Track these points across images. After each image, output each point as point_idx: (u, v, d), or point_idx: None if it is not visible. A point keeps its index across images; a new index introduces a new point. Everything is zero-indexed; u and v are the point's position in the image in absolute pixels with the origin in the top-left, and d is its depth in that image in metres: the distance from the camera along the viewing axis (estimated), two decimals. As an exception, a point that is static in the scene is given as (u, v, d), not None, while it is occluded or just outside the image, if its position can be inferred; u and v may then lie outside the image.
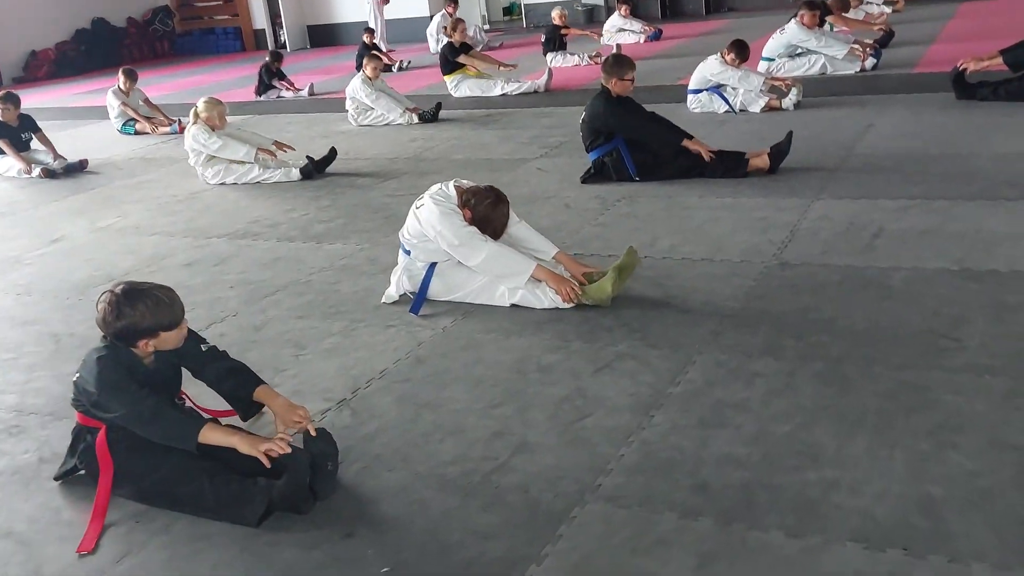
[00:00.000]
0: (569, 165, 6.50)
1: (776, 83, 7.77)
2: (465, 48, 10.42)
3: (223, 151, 7.01)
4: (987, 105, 6.94)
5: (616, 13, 14.04)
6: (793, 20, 9.17)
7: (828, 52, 8.96)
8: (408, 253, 4.23)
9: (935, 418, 2.78)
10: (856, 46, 9.13)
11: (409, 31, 17.55)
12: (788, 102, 7.61)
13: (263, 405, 2.90)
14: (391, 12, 18.06)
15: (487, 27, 19.18)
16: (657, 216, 5.17)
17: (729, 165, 5.78)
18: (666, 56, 12.01)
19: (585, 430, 2.94)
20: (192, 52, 20.43)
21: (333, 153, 7.21)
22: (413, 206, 4.15)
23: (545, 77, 10.07)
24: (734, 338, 3.49)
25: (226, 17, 20.47)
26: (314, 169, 7.01)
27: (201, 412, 2.99)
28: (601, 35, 13.51)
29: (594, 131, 5.94)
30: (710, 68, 7.75)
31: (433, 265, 4.15)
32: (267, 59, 11.93)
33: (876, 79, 8.55)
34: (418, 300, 4.11)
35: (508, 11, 21.05)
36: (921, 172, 5.44)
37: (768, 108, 7.63)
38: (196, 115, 7.04)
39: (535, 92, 10.05)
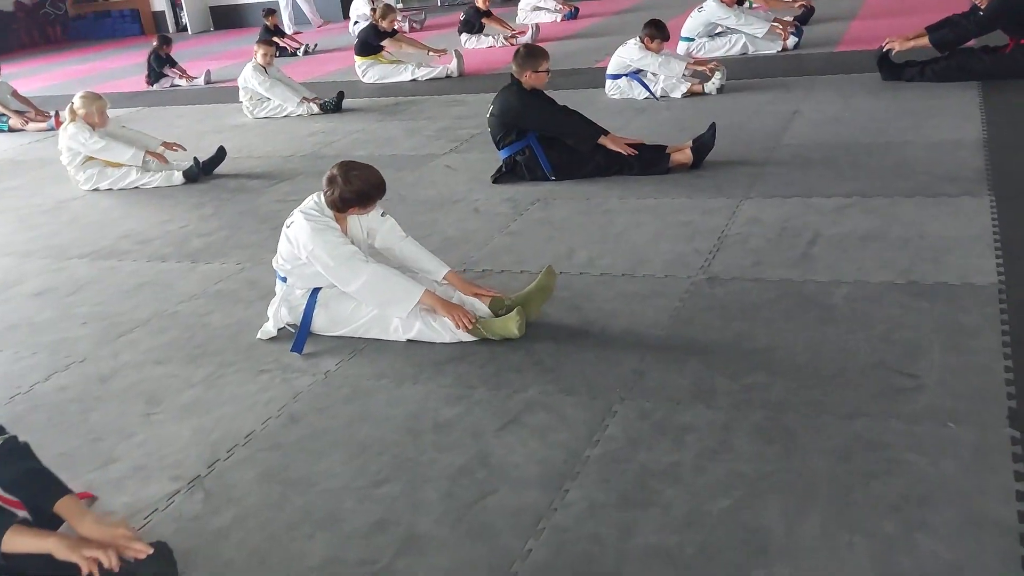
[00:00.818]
0: (480, 162, 5.96)
1: (699, 68, 7.33)
2: (392, 35, 9.75)
3: (105, 152, 6.26)
4: (915, 87, 6.62)
5: (531, -11, 13.47)
6: None
7: (748, 31, 8.56)
8: (284, 280, 3.65)
9: (897, 486, 2.34)
10: (776, 24, 8.77)
11: (326, 8, 16.71)
12: (711, 86, 7.19)
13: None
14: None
15: (400, 4, 18.44)
16: (574, 222, 4.67)
17: (650, 161, 5.31)
18: (583, 36, 11.52)
19: (486, 513, 2.43)
20: (87, 37, 19.19)
21: (221, 153, 6.53)
22: (284, 224, 3.57)
23: (455, 61, 9.47)
24: (659, 378, 3.02)
25: (122, -1, 19.29)
26: (199, 171, 6.32)
27: (11, 509, 2.39)
28: (515, 33, 11.97)
29: (505, 127, 5.40)
30: (629, 53, 7.28)
31: (315, 293, 3.59)
32: (155, 44, 11.02)
33: (799, 59, 8.19)
34: (300, 337, 3.54)
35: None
36: (854, 165, 5.05)
37: (690, 93, 7.20)
38: (73, 112, 6.26)
39: (447, 77, 9.47)
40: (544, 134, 5.41)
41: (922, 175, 4.74)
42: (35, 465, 2.32)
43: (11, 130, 9.16)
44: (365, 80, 9.64)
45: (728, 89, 7.23)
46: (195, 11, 18.23)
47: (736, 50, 8.60)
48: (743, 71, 7.84)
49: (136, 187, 6.31)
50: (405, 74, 9.52)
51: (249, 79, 8.27)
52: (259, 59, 8.25)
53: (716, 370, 3.03)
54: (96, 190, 6.37)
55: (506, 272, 4.10)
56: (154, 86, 10.98)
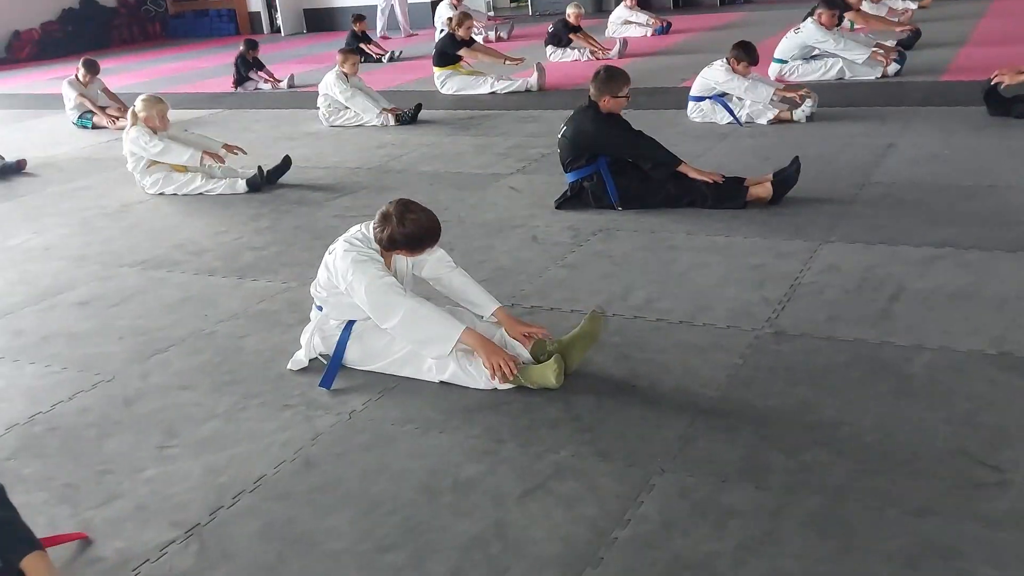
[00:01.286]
0: (546, 184, 5.71)
1: (788, 94, 6.93)
2: (469, 44, 9.61)
3: (164, 155, 6.26)
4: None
5: (622, 4, 13.16)
6: (810, 19, 8.33)
7: (847, 55, 8.10)
8: (320, 309, 3.48)
9: (970, 611, 2.02)
10: (878, 49, 8.28)
11: (418, 17, 16.70)
12: (800, 114, 6.79)
13: None
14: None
15: (491, 13, 18.35)
16: (635, 257, 4.39)
17: (725, 194, 4.98)
18: (672, 53, 11.17)
19: (494, 597, 2.19)
20: (185, 35, 19.66)
21: (287, 162, 6.45)
22: (327, 251, 3.40)
23: (535, 75, 9.24)
24: (707, 448, 2.72)
25: (220, -2, 19.71)
26: (263, 181, 6.25)
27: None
28: (601, 48, 11.59)
29: (576, 150, 5.14)
30: (714, 75, 6.93)
31: (350, 325, 3.40)
32: (242, 48, 11.12)
33: (899, 87, 7.70)
34: (330, 371, 3.35)
35: (520, -1, 20.19)
36: (950, 210, 4.63)
37: (777, 120, 6.82)
38: (135, 115, 6.28)
39: (527, 91, 9.25)
40: (618, 158, 5.15)
41: (1025, 226, 4.31)
42: (6, 515, 2.17)
43: (95, 127, 9.33)
44: (443, 91, 9.50)
45: (819, 117, 6.81)
46: (289, 13, 18.49)
47: (832, 74, 8.15)
48: (837, 98, 7.41)
49: (200, 193, 6.28)
50: (484, 86, 9.34)
51: (331, 87, 8.21)
52: (345, 68, 8.18)
53: (772, 443, 2.71)
54: (162, 194, 6.36)
55: (556, 310, 3.85)
56: (238, 89, 11.08)
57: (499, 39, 13.92)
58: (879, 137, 6.17)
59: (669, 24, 12.93)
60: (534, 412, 3.02)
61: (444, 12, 14.35)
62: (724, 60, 6.91)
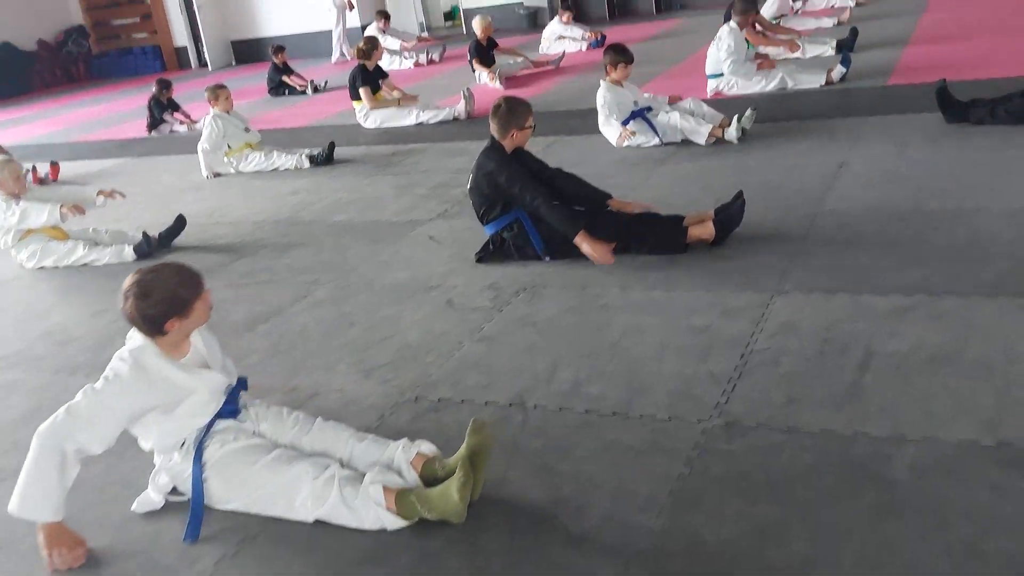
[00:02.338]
0: (469, 231, 5.08)
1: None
2: (378, 74, 8.95)
3: (24, 221, 5.50)
4: (985, 131, 5.61)
5: (556, 19, 12.65)
6: (726, 24, 7.83)
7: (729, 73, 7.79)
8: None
9: None
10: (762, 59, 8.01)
11: (325, 44, 16.01)
12: (731, 134, 6.23)
13: None
14: (305, 25, 16.73)
15: (425, 34, 17.77)
16: (563, 323, 3.78)
17: (663, 238, 4.39)
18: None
19: None
20: (110, 74, 18.79)
21: (180, 223, 5.76)
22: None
23: (463, 102, 8.63)
24: (645, 613, 2.12)
25: (145, 35, 18.88)
26: (151, 246, 5.55)
27: None
28: (520, 56, 11.23)
29: (487, 199, 4.55)
30: (601, 94, 6.51)
31: (199, 456, 2.75)
32: (154, 89, 10.33)
33: (845, 95, 7.20)
34: (193, 519, 2.68)
35: (450, 16, 19.60)
36: (916, 242, 4.09)
37: (713, 138, 6.27)
38: (-14, 182, 5.53)
39: (454, 120, 8.64)
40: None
41: (1003, 260, 3.76)
42: None
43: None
44: (366, 125, 8.85)
45: (763, 135, 6.29)
46: (216, 46, 17.72)
47: (773, 86, 7.65)
48: (780, 111, 6.90)
49: (84, 264, 5.57)
50: (409, 118, 8.70)
51: (204, 134, 7.56)
52: (218, 105, 7.46)
53: (726, 599, 2.12)
54: (42, 268, 5.65)
55: (468, 403, 3.23)
56: (153, 133, 10.33)
57: (430, 62, 13.32)
58: (829, 155, 5.64)
59: (604, 36, 12.41)
60: (431, 564, 2.39)
61: (371, 34, 13.76)
62: (602, 80, 6.45)
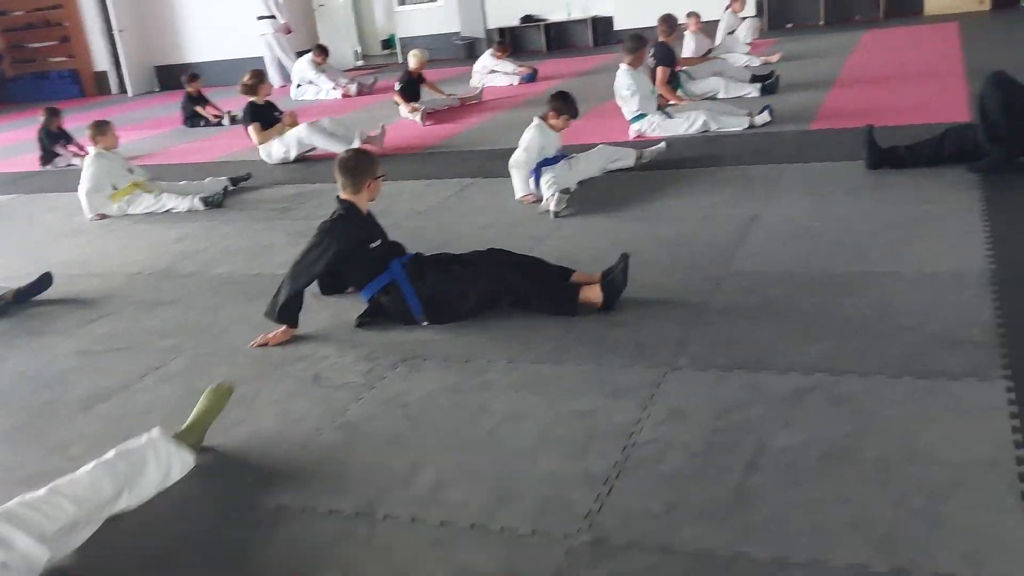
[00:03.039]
0: (356, 288, 4.70)
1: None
2: (270, 109, 8.47)
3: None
4: (904, 182, 5.39)
5: (487, 52, 12.37)
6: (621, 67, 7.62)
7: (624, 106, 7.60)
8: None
9: None
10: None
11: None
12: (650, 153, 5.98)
13: None
14: (232, 51, 16.26)
15: (361, 63, 17.42)
16: (436, 407, 3.39)
17: (557, 298, 4.05)
18: (537, 104, 10.34)
19: None
20: (25, 99, 17.97)
21: (44, 281, 5.23)
22: None
23: (379, 132, 8.22)
24: None
25: (62, 59, 18.18)
26: (6, 304, 5.04)
27: None
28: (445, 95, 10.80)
29: (350, 263, 4.22)
30: (526, 138, 6.13)
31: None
32: (43, 119, 9.69)
33: (767, 140, 6.98)
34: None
35: (388, 44, 19.28)
36: (822, 312, 3.80)
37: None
38: None
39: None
40: (418, 259, 4.23)
41: (911, 333, 3.48)
42: None
43: None
44: (271, 162, 8.41)
45: (682, 181, 6.02)
46: (138, 71, 17.12)
47: (696, 128, 7.41)
48: (701, 155, 6.66)
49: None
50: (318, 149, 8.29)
51: (84, 174, 7.06)
52: (100, 143, 6.98)
53: None
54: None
55: (309, 511, 2.80)
56: (47, 167, 9.74)
57: (361, 92, 12.93)
58: (743, 206, 5.38)
59: (536, 71, 12.17)
60: None
61: (302, 67, 13.37)
62: (538, 118, 6.10)
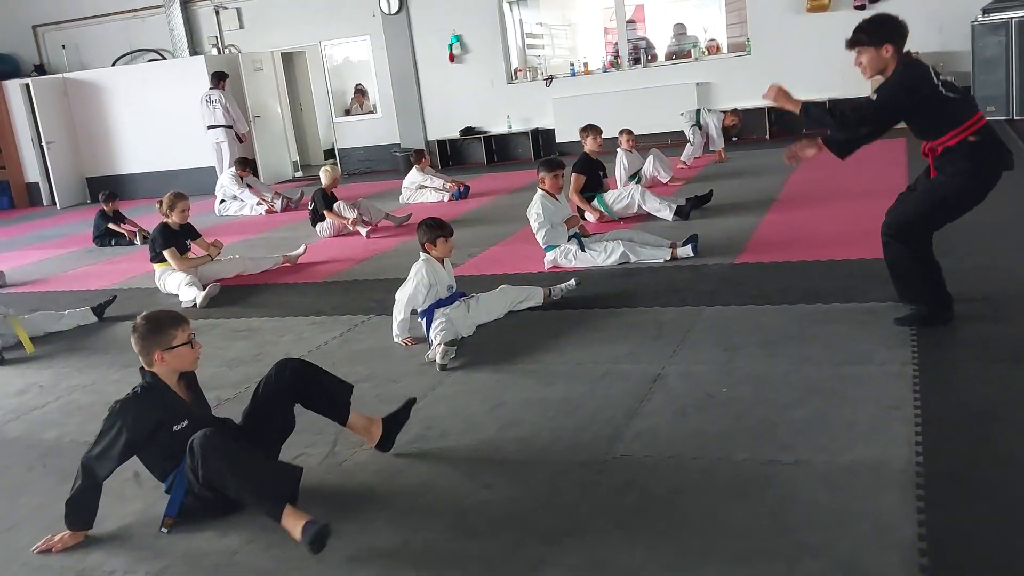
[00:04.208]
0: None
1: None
2: (188, 234, 7.83)
3: None
4: (832, 335, 4.76)
5: (415, 168, 11.90)
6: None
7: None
8: None
9: None
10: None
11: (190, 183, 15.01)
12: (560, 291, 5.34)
13: None
14: (167, 162, 15.79)
15: (299, 174, 16.97)
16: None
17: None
18: (465, 223, 9.80)
19: None
20: (-48, 209, 17.36)
21: None
22: None
23: (202, 293, 7.27)
24: None
25: (-6, 170, 17.58)
26: None
27: None
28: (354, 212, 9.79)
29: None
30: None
31: None
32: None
33: (687, 275, 6.35)
34: None
35: (331, 154, 18.88)
36: (709, 521, 3.09)
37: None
38: None
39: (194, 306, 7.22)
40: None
41: (813, 561, 2.79)
42: None
43: None
44: (165, 290, 7.73)
45: (584, 324, 5.40)
46: (68, 183, 16.49)
47: (613, 260, 6.83)
48: (614, 292, 6.06)
49: None
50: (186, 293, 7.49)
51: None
52: None
53: None
54: None
55: None
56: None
57: (286, 208, 12.38)
58: (648, 360, 4.74)
59: (467, 188, 11.70)
60: None
61: (224, 183, 12.86)
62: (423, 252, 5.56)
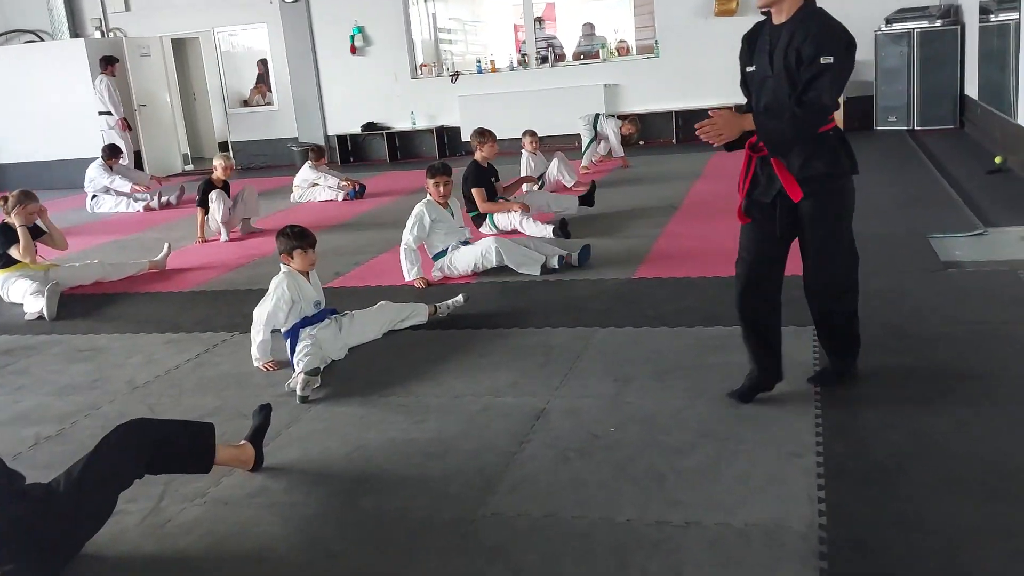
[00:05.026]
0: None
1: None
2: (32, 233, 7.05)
3: None
4: (725, 366, 4.39)
5: (307, 164, 11.22)
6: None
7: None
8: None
9: None
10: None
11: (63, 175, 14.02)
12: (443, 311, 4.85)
13: None
14: (44, 152, 14.71)
15: (190, 167, 16.03)
16: None
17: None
18: (352, 227, 9.20)
19: None
20: None
21: None
22: None
23: (41, 301, 6.44)
24: None
25: None
26: None
27: None
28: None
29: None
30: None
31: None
32: None
33: (583, 291, 5.93)
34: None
35: (225, 147, 17.94)
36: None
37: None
38: None
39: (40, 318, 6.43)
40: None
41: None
42: None
43: None
44: (8, 299, 6.91)
45: (469, 347, 4.92)
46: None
47: (492, 259, 6.33)
48: (499, 309, 5.60)
49: None
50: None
51: None
52: None
53: None
54: None
55: None
56: None
57: (165, 205, 11.53)
58: (532, 392, 4.28)
59: (363, 187, 11.08)
60: None
61: (93, 174, 11.88)
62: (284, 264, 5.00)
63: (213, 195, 8.84)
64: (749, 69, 3.74)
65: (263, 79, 15.85)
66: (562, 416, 3.98)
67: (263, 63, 15.67)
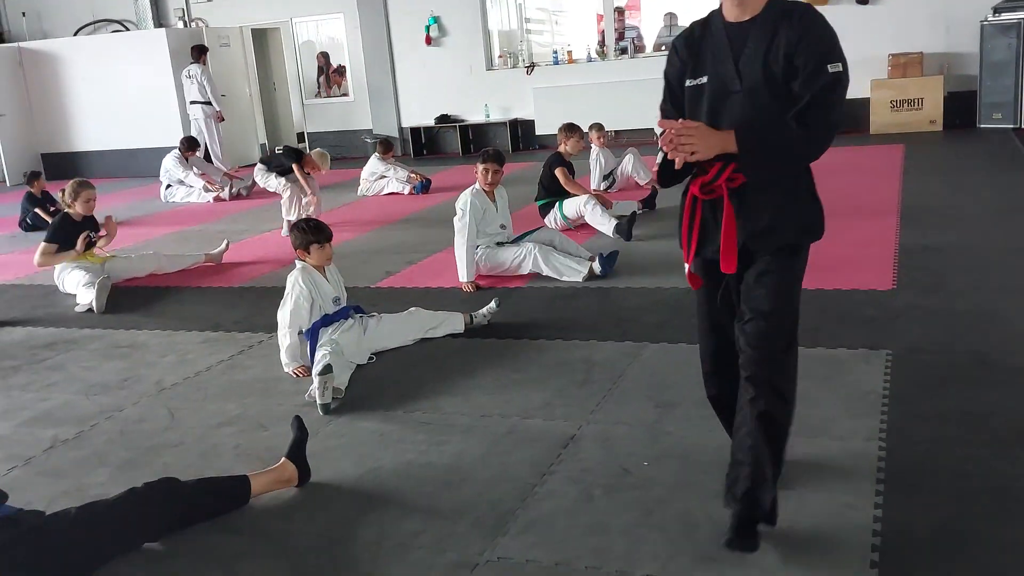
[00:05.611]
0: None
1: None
2: (88, 224, 7.00)
3: None
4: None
5: (374, 156, 11.08)
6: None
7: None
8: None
9: None
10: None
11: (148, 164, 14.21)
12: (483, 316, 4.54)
13: None
14: (126, 141, 14.93)
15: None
16: None
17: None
18: (415, 222, 8.98)
19: None
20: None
21: None
22: None
23: (91, 294, 6.37)
24: None
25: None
26: None
27: None
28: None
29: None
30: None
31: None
32: None
33: (636, 300, 5.53)
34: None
35: (302, 137, 18.02)
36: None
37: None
38: None
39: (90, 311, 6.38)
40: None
41: None
42: None
43: None
44: (63, 290, 6.89)
45: (503, 359, 4.59)
46: (19, 159, 15.61)
47: (528, 265, 6.04)
48: (547, 319, 5.26)
49: None
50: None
51: None
52: None
53: None
54: None
55: None
56: None
57: (235, 197, 11.55)
58: (564, 416, 3.93)
59: (428, 181, 10.86)
60: None
61: (168, 166, 11.98)
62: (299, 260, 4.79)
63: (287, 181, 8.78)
64: (693, 83, 2.77)
65: (323, 71, 15.78)
66: (593, 444, 3.63)
67: (324, 56, 15.60)
